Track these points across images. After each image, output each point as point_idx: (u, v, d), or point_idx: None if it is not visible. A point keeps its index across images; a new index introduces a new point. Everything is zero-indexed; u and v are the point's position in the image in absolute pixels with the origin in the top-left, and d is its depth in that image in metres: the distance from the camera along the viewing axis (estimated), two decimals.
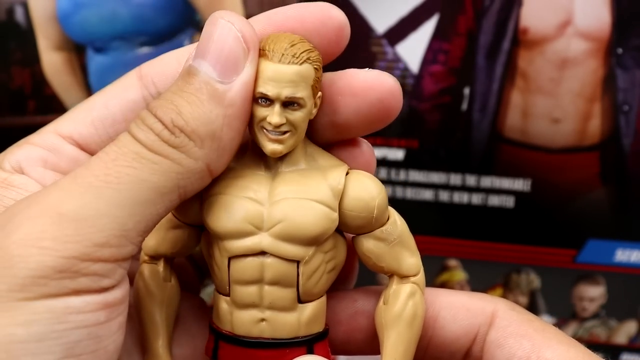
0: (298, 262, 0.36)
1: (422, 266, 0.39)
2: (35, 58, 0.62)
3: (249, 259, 0.36)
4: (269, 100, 0.35)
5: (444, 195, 0.64)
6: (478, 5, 0.59)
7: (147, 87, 0.41)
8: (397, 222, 0.37)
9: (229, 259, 0.36)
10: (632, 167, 0.61)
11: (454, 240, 0.66)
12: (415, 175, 0.64)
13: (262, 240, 0.35)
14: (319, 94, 0.37)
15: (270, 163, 0.37)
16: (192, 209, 0.37)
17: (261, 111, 0.35)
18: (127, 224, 0.32)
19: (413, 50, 0.61)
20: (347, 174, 0.37)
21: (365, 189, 0.36)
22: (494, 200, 0.64)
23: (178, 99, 0.34)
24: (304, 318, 0.37)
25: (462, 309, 0.39)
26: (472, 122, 0.62)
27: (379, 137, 0.61)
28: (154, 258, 0.39)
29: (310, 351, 0.37)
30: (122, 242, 0.33)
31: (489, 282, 0.68)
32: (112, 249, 0.32)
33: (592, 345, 0.67)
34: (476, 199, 0.64)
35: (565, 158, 0.62)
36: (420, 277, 0.38)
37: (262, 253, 0.36)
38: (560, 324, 0.68)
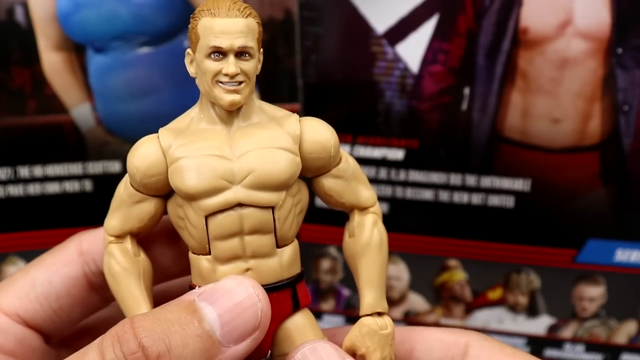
0: (273, 208, 0.38)
1: (376, 197, 0.42)
2: (35, 58, 0.61)
3: (226, 213, 0.37)
4: (221, 54, 0.37)
5: (443, 195, 0.64)
6: (478, 5, 0.59)
7: (88, 264, 0.42)
8: (348, 160, 0.41)
9: (206, 217, 0.37)
10: (632, 167, 0.61)
11: (454, 240, 0.66)
12: (415, 175, 0.64)
13: (236, 193, 0.37)
14: (261, 50, 0.39)
15: (225, 120, 0.39)
16: (156, 180, 0.38)
17: (215, 65, 0.37)
18: None
19: (413, 50, 0.60)
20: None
21: (321, 132, 0.39)
22: (494, 200, 0.64)
23: (175, 333, 0.34)
24: (284, 261, 0.38)
25: (436, 342, 0.41)
26: (471, 122, 0.62)
27: (379, 137, 0.61)
28: (119, 237, 0.40)
29: (294, 292, 0.39)
30: None
31: (489, 282, 0.68)
32: None
33: (592, 345, 0.69)
34: (476, 199, 0.64)
35: (565, 158, 0.61)
36: (377, 207, 0.41)
37: (238, 205, 0.37)
38: (560, 324, 0.69)
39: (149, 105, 0.64)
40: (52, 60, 0.61)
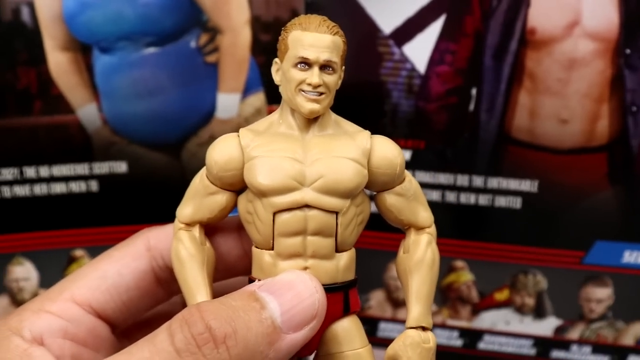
0: (337, 214, 0.40)
1: (433, 219, 0.44)
2: (41, 58, 0.62)
3: (293, 213, 0.39)
4: (307, 65, 0.39)
5: (450, 196, 0.65)
6: (485, 6, 0.59)
7: (156, 259, 0.45)
8: (412, 181, 0.43)
9: (274, 213, 0.39)
10: None
11: (460, 242, 0.67)
12: (422, 176, 0.64)
13: (305, 194, 0.39)
14: (343, 67, 0.41)
15: (302, 127, 0.41)
16: (232, 175, 0.41)
17: (300, 75, 0.39)
18: None
19: (420, 50, 0.61)
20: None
21: (389, 149, 0.41)
22: (501, 201, 0.64)
23: (240, 319, 0.36)
24: (341, 266, 0.41)
25: None
26: (479, 123, 0.62)
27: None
28: (188, 225, 0.43)
29: (346, 296, 0.41)
30: None
31: (496, 283, 0.68)
32: None
33: (599, 346, 0.69)
34: (483, 199, 0.64)
35: (573, 159, 0.62)
36: (433, 228, 0.44)
37: (306, 206, 0.39)
38: (567, 325, 0.69)
39: (155, 106, 0.64)
40: (58, 61, 0.62)
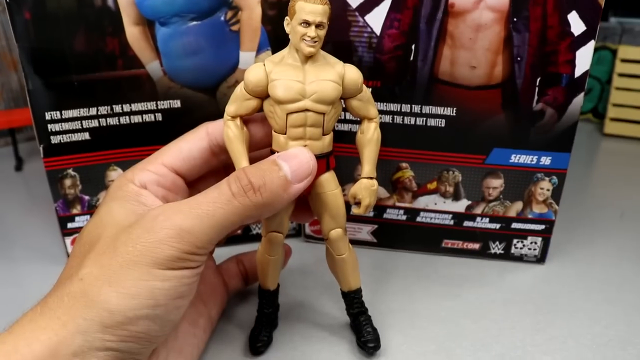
0: (324, 114, 0.47)
1: (378, 112, 0.51)
2: (121, 30, 0.63)
3: (298, 114, 0.47)
4: (307, 24, 0.45)
5: (398, 119, 0.66)
6: None
7: (212, 140, 0.51)
8: (367, 91, 0.50)
9: (287, 114, 0.46)
10: (522, 99, 0.63)
11: (405, 150, 0.68)
12: (379, 106, 0.65)
13: (305, 103, 0.46)
14: (328, 23, 0.46)
15: (303, 61, 0.47)
16: (260, 90, 0.47)
17: (303, 30, 0.45)
18: (213, 238, 0.42)
19: (376, 18, 0.62)
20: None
21: (354, 73, 0.48)
22: (432, 122, 0.66)
23: (267, 176, 0.43)
24: (325, 143, 0.49)
25: None
26: (416, 69, 0.63)
27: None
28: (233, 117, 0.48)
29: (327, 160, 0.49)
30: (208, 246, 0.42)
31: (428, 177, 0.69)
32: (203, 250, 0.42)
33: (494, 217, 0.71)
34: (419, 121, 0.66)
35: (479, 93, 0.63)
36: (378, 118, 0.51)
37: (306, 110, 0.46)
38: (473, 205, 0.70)
39: (197, 61, 0.65)
40: (132, 32, 0.64)
